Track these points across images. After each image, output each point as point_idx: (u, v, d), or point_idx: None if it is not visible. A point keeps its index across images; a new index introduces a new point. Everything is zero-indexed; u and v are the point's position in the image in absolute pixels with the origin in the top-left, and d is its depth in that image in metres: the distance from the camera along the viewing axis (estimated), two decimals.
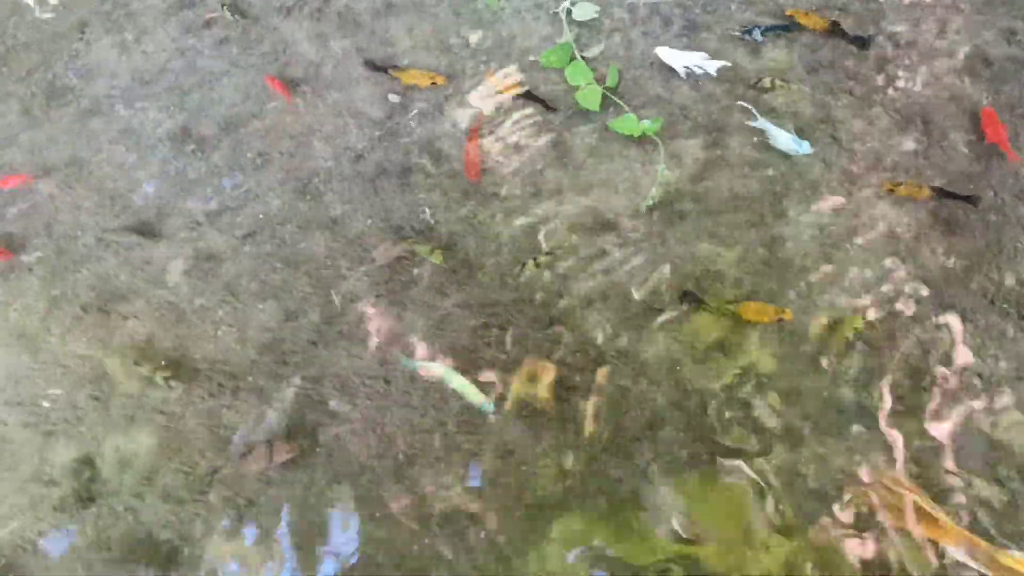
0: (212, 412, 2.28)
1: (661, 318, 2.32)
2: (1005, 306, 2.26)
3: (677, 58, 2.67)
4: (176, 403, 2.29)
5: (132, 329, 2.40)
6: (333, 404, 2.27)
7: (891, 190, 2.38)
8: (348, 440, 2.24)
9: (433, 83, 2.68)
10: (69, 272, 2.50)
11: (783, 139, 2.49)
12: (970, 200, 2.36)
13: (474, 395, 2.22)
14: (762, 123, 2.52)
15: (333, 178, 2.61)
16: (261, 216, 2.56)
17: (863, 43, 2.68)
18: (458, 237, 2.48)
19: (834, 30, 2.68)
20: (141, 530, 2.15)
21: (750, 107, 2.55)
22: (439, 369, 2.26)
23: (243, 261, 2.49)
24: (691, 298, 2.31)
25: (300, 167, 2.64)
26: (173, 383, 2.28)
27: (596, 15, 2.81)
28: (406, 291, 2.41)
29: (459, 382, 2.24)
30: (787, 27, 2.72)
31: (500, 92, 2.69)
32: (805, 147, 2.49)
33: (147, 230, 2.56)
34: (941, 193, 2.38)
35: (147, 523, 2.16)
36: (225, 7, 2.93)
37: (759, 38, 2.71)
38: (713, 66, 2.65)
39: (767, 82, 2.59)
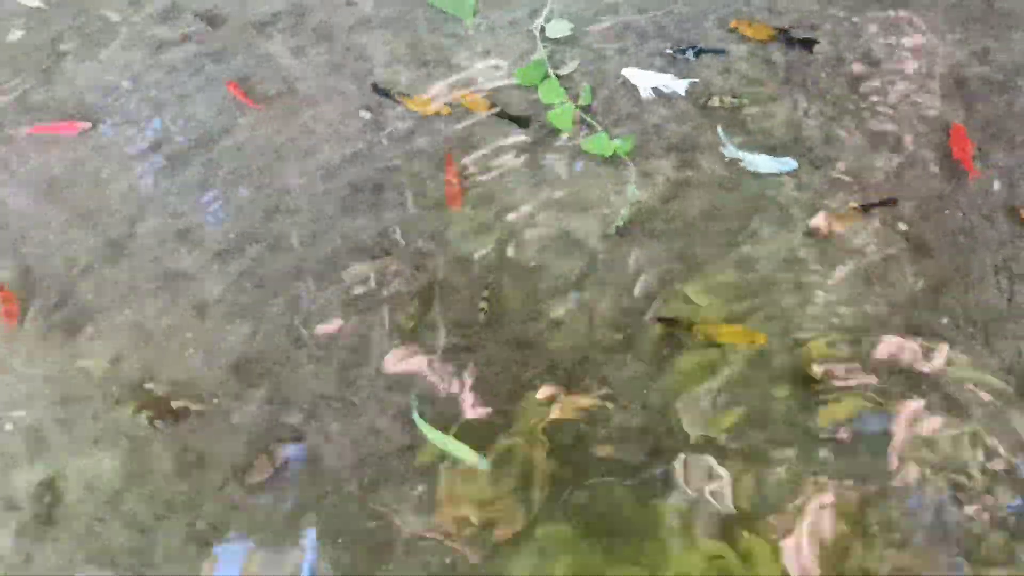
0: (177, 435, 2.26)
1: (633, 339, 2.31)
2: (971, 330, 2.25)
3: (644, 78, 2.66)
4: (141, 426, 2.28)
5: (98, 350, 2.39)
6: (300, 426, 2.26)
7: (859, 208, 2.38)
8: (315, 463, 2.22)
9: (437, 112, 2.64)
10: (36, 290, 2.48)
11: (763, 163, 2.49)
12: None
13: (468, 455, 2.18)
14: (735, 152, 2.51)
15: (305, 196, 2.60)
16: (232, 235, 2.55)
17: (810, 45, 2.70)
18: (428, 257, 2.47)
19: (780, 38, 2.68)
20: (104, 556, 2.13)
21: (722, 137, 2.53)
22: (432, 434, 2.20)
23: (212, 281, 2.47)
24: (666, 322, 2.30)
25: (272, 184, 2.63)
26: (159, 423, 2.25)
27: (570, 32, 2.80)
28: (375, 311, 2.39)
29: (452, 446, 2.18)
30: (721, 51, 2.72)
31: (469, 109, 2.68)
32: (790, 164, 2.48)
33: (117, 249, 2.54)
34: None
35: (110, 549, 2.14)
36: (197, 16, 2.93)
37: (691, 58, 2.70)
38: (681, 85, 2.64)
39: (716, 100, 2.58)
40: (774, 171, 2.48)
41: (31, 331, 2.42)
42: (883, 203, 2.40)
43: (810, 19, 2.78)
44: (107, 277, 2.50)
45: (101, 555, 2.13)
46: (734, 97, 2.60)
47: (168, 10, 3.00)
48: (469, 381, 2.28)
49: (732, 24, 2.74)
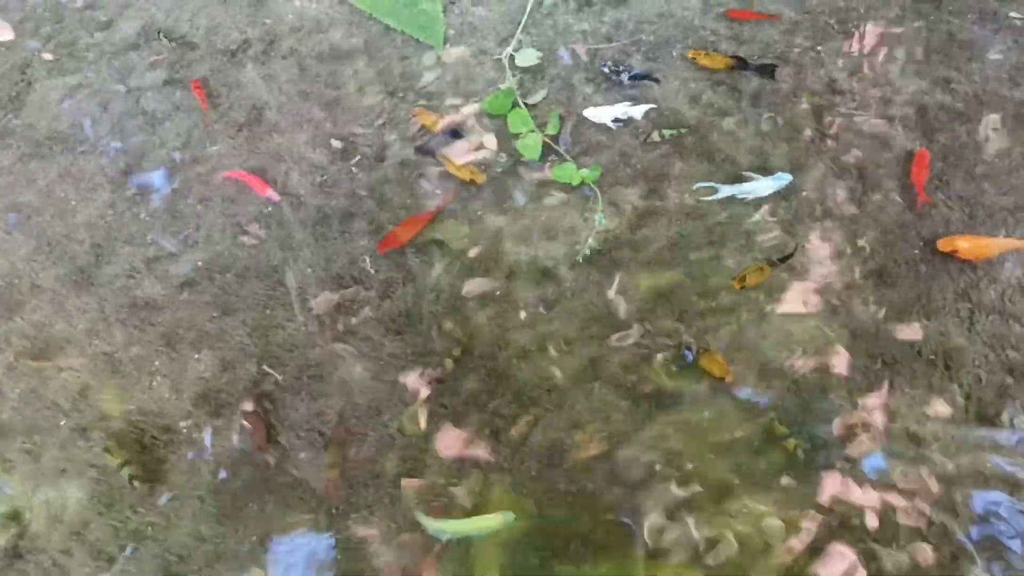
0: (145, 465, 2.26)
1: (599, 366, 2.33)
2: (932, 357, 2.29)
3: (604, 113, 2.71)
4: (108, 455, 2.27)
5: (66, 380, 2.38)
6: (269, 456, 2.26)
7: None
8: (283, 492, 2.23)
9: (472, 180, 2.61)
10: (3, 320, 2.47)
11: (764, 186, 2.53)
12: None
13: (492, 522, 2.15)
14: (730, 190, 2.54)
15: (273, 224, 2.61)
16: (200, 263, 2.55)
17: (771, 72, 2.75)
18: (397, 285, 2.48)
19: (737, 66, 2.75)
20: None
21: (709, 186, 2.56)
22: (448, 526, 2.16)
23: (180, 309, 2.48)
24: (687, 347, 2.35)
25: (240, 213, 2.63)
26: (137, 483, 2.23)
27: (539, 61, 2.83)
28: (343, 341, 2.40)
29: (471, 527, 2.15)
30: (656, 79, 2.77)
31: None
32: (785, 178, 2.54)
33: (84, 277, 2.54)
34: None
35: None
36: (161, 34, 2.94)
37: (625, 81, 2.74)
38: (639, 111, 2.68)
39: (655, 135, 2.62)
40: (777, 188, 2.53)
41: None
42: (787, 257, 2.43)
43: (774, 49, 2.82)
44: (75, 306, 2.49)
45: None
46: (672, 129, 2.63)
47: (139, 36, 3.00)
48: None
49: (690, 54, 2.77)
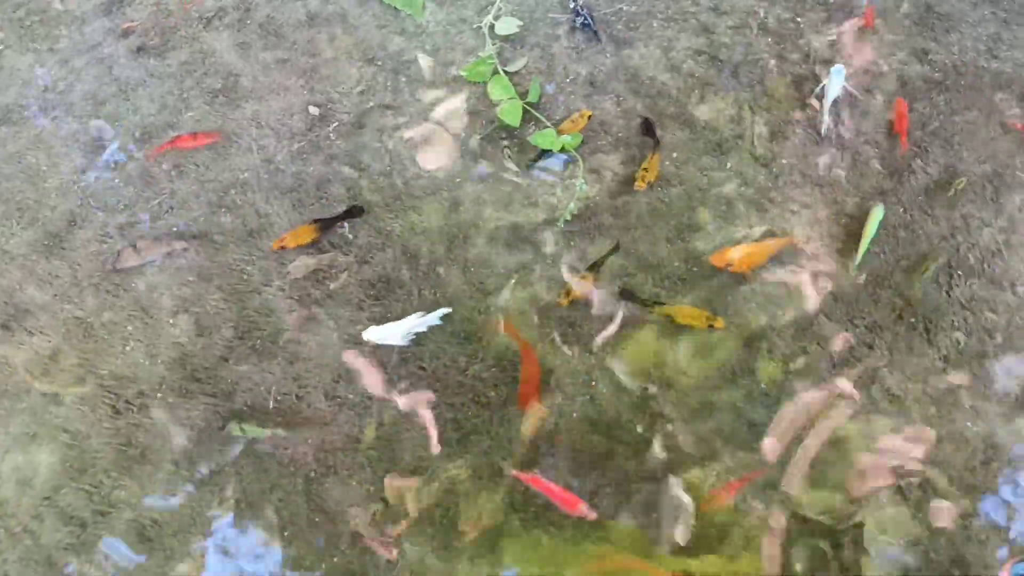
0: (118, 430, 2.22)
1: (580, 331, 2.32)
2: (913, 320, 2.29)
3: (387, 333, 2.31)
4: (80, 421, 2.23)
5: (37, 344, 2.33)
6: (244, 421, 2.23)
7: None
8: (259, 457, 2.20)
9: (711, 325, 2.31)
10: None
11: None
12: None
13: None
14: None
15: (250, 190, 2.57)
16: (175, 229, 2.51)
17: (359, 213, 2.50)
18: (376, 251, 2.45)
19: (323, 227, 2.48)
20: (40, 552, 2.08)
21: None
22: None
23: (155, 275, 2.44)
24: (627, 296, 2.33)
25: (216, 179, 2.59)
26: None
27: (518, 29, 2.81)
28: (322, 306, 2.37)
29: None
30: (599, 37, 2.78)
31: None
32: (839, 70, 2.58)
33: (56, 242, 2.49)
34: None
35: (46, 545, 2.10)
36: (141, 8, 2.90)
37: (576, 24, 2.79)
38: (435, 317, 2.34)
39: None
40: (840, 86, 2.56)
41: None
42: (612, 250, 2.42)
43: (753, 18, 2.81)
44: (46, 271, 2.44)
45: (37, 551, 2.08)
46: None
47: (111, 2, 2.95)
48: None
49: (275, 245, 2.46)
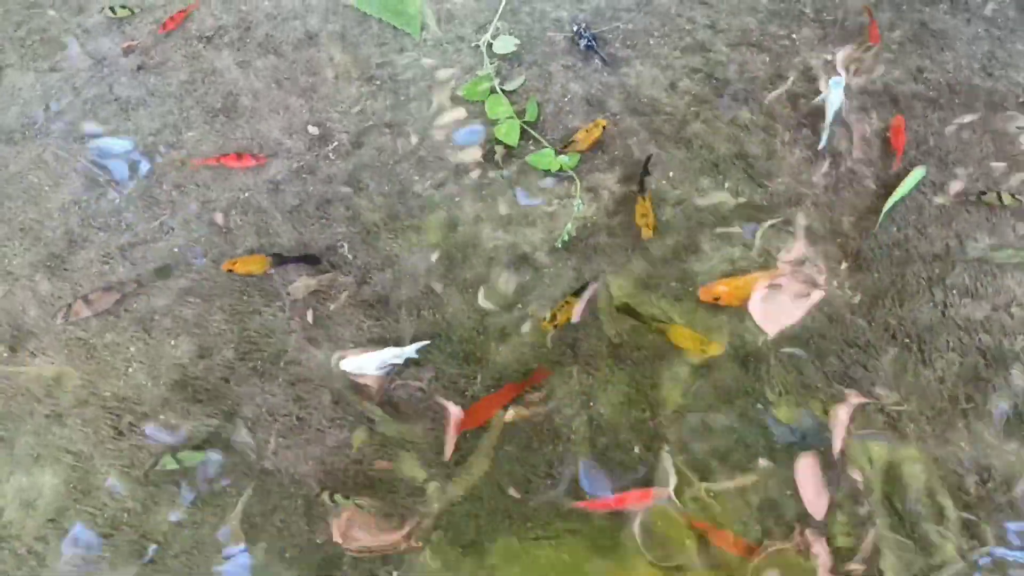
0: (121, 452, 2.24)
1: (578, 351, 2.34)
2: (907, 340, 2.31)
3: (364, 364, 2.33)
4: (84, 442, 2.25)
5: (40, 365, 2.36)
6: (245, 442, 2.25)
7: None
8: (260, 478, 2.22)
9: (704, 350, 2.32)
10: None
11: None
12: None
13: None
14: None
15: (250, 210, 2.59)
16: (175, 249, 2.53)
17: (314, 261, 2.50)
18: (376, 271, 2.47)
19: (277, 263, 2.48)
20: (45, 574, 2.10)
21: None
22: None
23: (156, 296, 2.46)
24: (628, 312, 2.35)
25: (217, 199, 2.62)
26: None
27: (516, 48, 2.83)
28: (322, 326, 2.39)
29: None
30: (607, 62, 2.79)
31: None
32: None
33: (58, 263, 2.51)
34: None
35: (51, 567, 2.12)
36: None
37: (581, 47, 2.81)
38: (412, 350, 2.34)
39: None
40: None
41: None
42: (582, 288, 2.41)
43: (749, 36, 2.84)
44: (48, 292, 2.46)
45: (42, 573, 2.10)
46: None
47: (112, 21, 2.97)
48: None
49: (225, 266, 2.48)
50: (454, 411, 2.25)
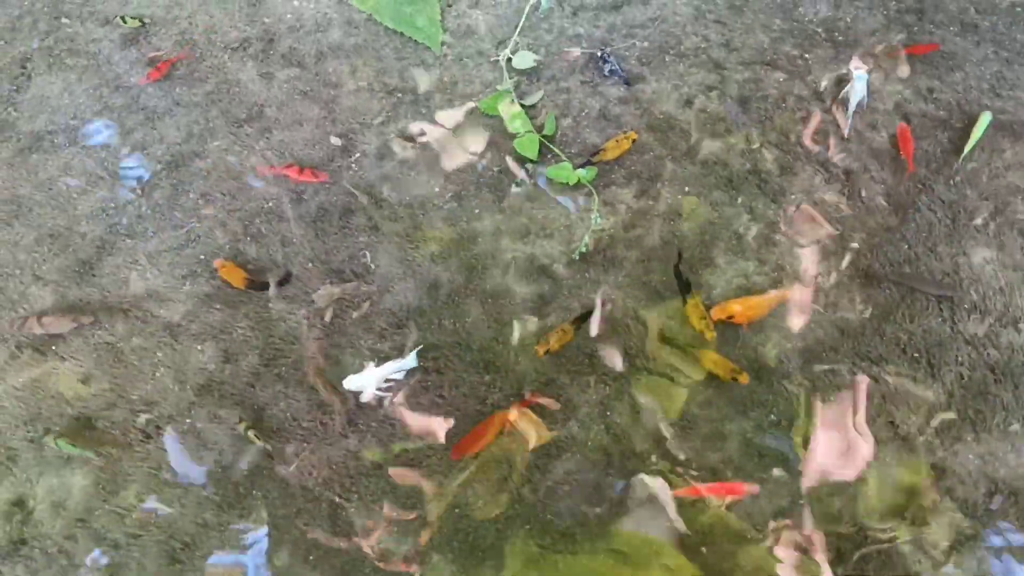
0: (149, 454, 2.30)
1: (595, 362, 2.39)
2: (916, 355, 2.36)
3: (364, 381, 2.38)
4: (112, 444, 2.30)
5: (69, 369, 2.41)
6: (270, 446, 2.30)
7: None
8: (285, 483, 2.27)
9: (735, 379, 2.34)
10: (5, 311, 2.50)
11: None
12: None
13: None
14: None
15: (274, 220, 2.65)
16: (202, 256, 2.58)
17: (287, 279, 2.56)
18: (397, 280, 2.53)
19: (255, 287, 2.54)
20: (74, 573, 2.15)
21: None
22: None
23: (183, 302, 2.51)
24: (682, 283, 2.45)
25: (242, 208, 2.67)
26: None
27: (535, 63, 2.89)
28: (345, 334, 2.45)
29: None
30: (627, 81, 2.86)
31: None
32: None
33: (86, 269, 2.57)
34: None
35: (80, 566, 2.16)
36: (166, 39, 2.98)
37: (606, 72, 2.86)
38: (411, 359, 2.41)
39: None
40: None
41: (1, 350, 2.43)
42: (586, 316, 2.45)
43: (763, 55, 2.89)
44: (77, 296, 2.52)
45: (71, 572, 2.15)
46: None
47: (138, 32, 3.03)
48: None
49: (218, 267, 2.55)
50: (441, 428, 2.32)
